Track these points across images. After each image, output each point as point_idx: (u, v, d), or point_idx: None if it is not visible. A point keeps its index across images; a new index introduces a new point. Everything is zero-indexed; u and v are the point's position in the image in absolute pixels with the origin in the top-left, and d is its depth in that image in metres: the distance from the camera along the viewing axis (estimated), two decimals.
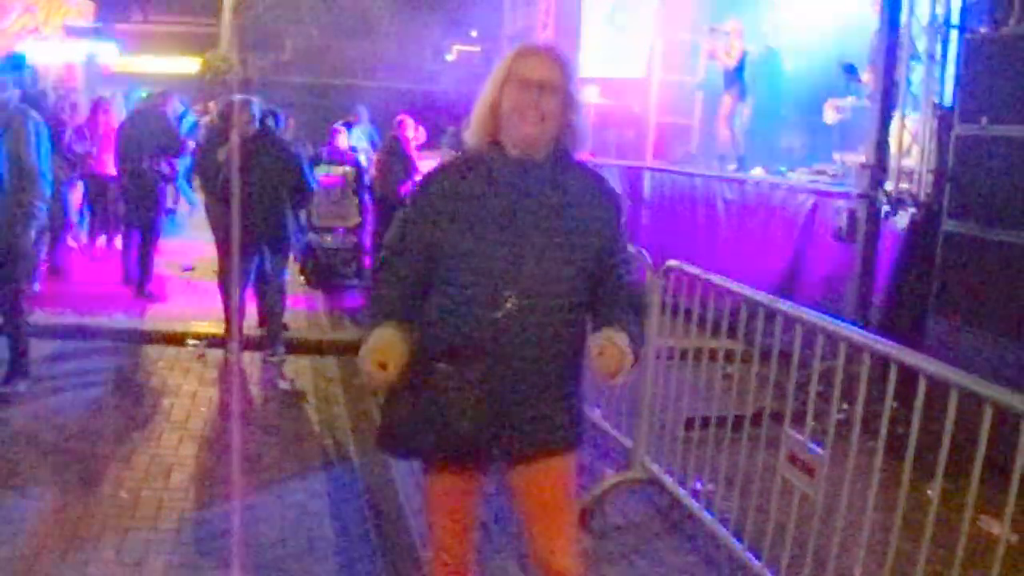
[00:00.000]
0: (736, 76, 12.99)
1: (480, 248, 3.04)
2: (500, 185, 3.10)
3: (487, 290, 3.02)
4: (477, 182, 3.12)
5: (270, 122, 8.74)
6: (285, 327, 8.86)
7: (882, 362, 4.16)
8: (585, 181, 3.22)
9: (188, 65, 24.35)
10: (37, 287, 8.86)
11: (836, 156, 12.03)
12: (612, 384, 3.16)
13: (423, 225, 3.14)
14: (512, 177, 3.10)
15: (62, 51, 21.71)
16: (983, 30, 7.59)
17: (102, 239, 12.83)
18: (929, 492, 3.93)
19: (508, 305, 3.01)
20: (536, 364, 3.10)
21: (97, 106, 12.42)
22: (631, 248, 3.38)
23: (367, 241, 12.27)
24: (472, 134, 3.21)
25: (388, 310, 3.17)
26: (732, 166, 12.71)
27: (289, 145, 8.80)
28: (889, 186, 8.51)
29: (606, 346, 3.03)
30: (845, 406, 4.93)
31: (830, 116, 12.27)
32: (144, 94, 14.06)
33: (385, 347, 3.05)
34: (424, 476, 3.34)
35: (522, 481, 3.28)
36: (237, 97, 8.56)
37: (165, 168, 10.79)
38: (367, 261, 12.08)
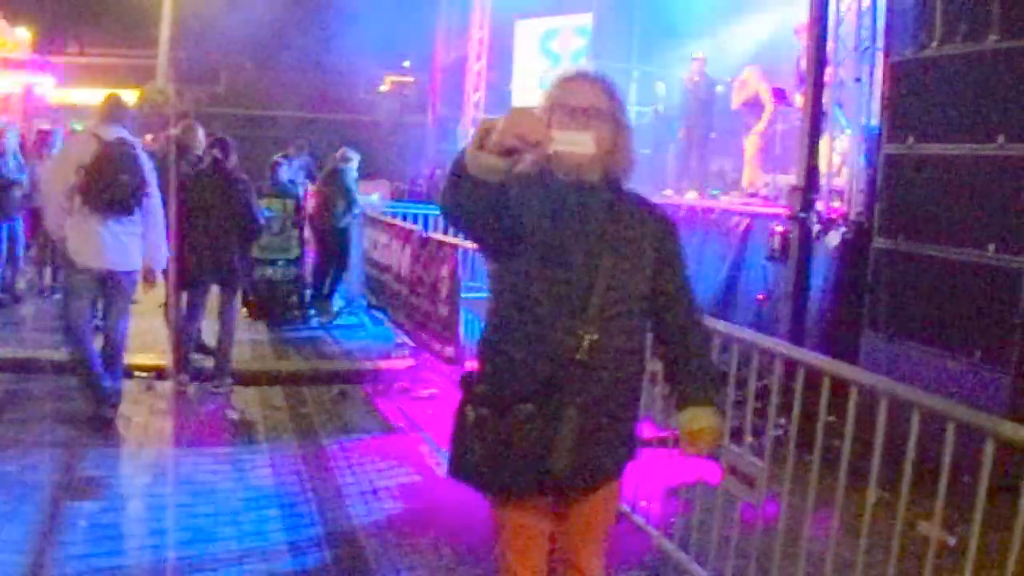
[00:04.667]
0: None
1: (552, 273, 2.98)
2: (563, 211, 3.02)
3: (562, 328, 2.97)
4: (546, 203, 3.02)
5: (217, 153, 8.64)
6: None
7: (817, 376, 4.34)
8: (638, 207, 3.17)
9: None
10: None
11: (767, 178, 12.32)
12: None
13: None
14: (573, 202, 3.02)
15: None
16: (907, 53, 7.84)
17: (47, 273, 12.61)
18: (870, 499, 4.10)
19: (585, 344, 2.96)
20: (609, 397, 3.08)
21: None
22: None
23: (307, 273, 12.34)
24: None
25: None
26: (668, 191, 12.92)
27: (237, 179, 8.72)
28: (820, 206, 8.73)
29: (699, 432, 3.13)
30: (782, 421, 5.11)
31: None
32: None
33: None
34: (494, 510, 3.24)
35: (575, 504, 3.25)
36: (174, 130, 8.60)
37: None
38: (308, 293, 12.19)
